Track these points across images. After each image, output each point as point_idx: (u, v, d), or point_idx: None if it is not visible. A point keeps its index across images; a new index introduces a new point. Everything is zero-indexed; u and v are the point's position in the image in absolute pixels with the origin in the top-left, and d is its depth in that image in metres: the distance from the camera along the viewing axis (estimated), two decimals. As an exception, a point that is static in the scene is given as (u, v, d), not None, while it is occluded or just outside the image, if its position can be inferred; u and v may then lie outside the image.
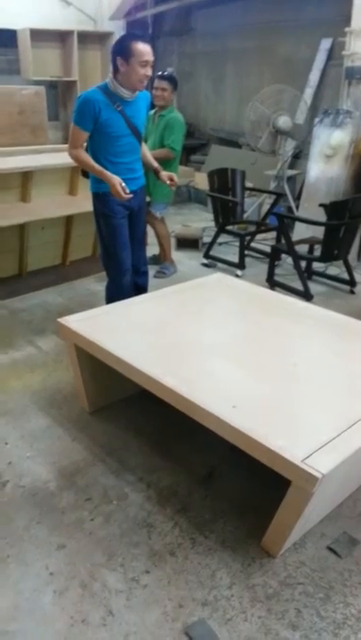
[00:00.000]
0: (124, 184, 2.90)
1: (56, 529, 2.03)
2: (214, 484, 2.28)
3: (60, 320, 2.61)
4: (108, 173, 2.91)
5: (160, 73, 4.37)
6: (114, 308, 2.84)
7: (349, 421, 1.86)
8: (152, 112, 4.40)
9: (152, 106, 4.33)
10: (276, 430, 1.81)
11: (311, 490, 1.65)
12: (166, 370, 2.15)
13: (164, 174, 3.25)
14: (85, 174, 3.27)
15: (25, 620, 1.69)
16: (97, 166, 2.95)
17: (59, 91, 7.88)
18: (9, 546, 1.95)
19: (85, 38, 7.48)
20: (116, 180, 2.88)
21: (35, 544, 1.96)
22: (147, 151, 3.37)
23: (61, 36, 7.44)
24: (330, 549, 1.97)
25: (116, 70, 2.84)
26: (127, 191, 2.91)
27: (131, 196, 2.95)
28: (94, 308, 2.85)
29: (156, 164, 3.34)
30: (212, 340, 2.47)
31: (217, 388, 2.06)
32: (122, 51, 2.76)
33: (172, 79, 4.26)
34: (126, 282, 3.26)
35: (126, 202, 3.09)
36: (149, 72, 2.83)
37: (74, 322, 2.58)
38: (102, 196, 3.08)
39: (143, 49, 2.74)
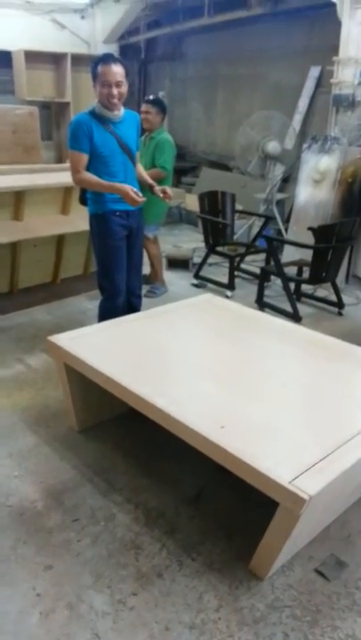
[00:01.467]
0: (135, 189, 2.94)
1: (43, 549, 2.01)
2: (202, 505, 2.27)
3: (49, 338, 2.62)
4: (117, 184, 2.96)
5: (146, 98, 4.47)
6: (104, 327, 2.85)
7: (337, 443, 1.88)
8: (143, 137, 4.48)
9: (142, 130, 4.42)
10: (264, 451, 1.82)
11: (299, 512, 1.66)
12: (155, 390, 2.15)
13: (158, 188, 3.29)
14: (83, 202, 3.30)
15: (10, 642, 1.67)
16: (104, 182, 2.99)
17: (52, 111, 7.98)
18: (-5, 567, 1.93)
19: (79, 61, 7.60)
20: (128, 188, 2.92)
21: (21, 564, 1.94)
22: (142, 170, 3.42)
23: (55, 59, 7.56)
24: (318, 572, 1.97)
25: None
26: (140, 195, 2.95)
27: (145, 199, 2.99)
28: (84, 327, 2.86)
29: (150, 181, 3.39)
30: (201, 360, 2.49)
31: (205, 409, 2.07)
32: (92, 73, 2.90)
33: (156, 102, 4.34)
34: (120, 303, 3.28)
35: (125, 222, 3.13)
36: (114, 92, 2.88)
37: (63, 340, 2.59)
38: (102, 217, 3.11)
39: (104, 70, 2.84)
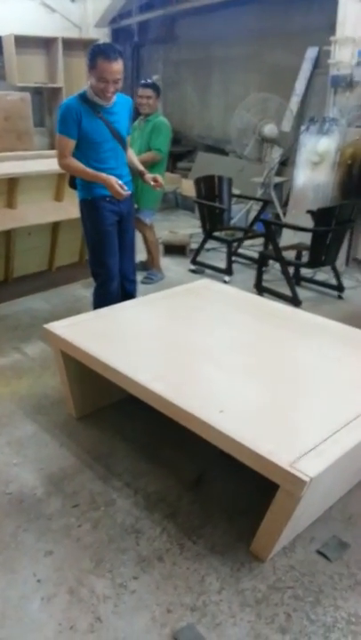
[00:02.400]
0: (120, 182, 2.90)
1: (43, 535, 2.00)
2: (203, 489, 2.27)
3: (46, 326, 2.60)
4: (103, 174, 2.92)
5: (143, 81, 4.43)
6: (100, 314, 2.83)
7: (337, 425, 1.87)
8: (137, 120, 4.43)
9: (137, 114, 4.36)
10: (264, 434, 1.81)
11: (299, 494, 1.65)
12: (154, 376, 2.14)
13: (149, 176, 3.26)
14: (73, 185, 3.26)
15: (13, 627, 1.67)
16: (90, 170, 2.95)
17: (44, 97, 7.88)
18: (-5, 553, 1.92)
19: (70, 45, 7.50)
20: (113, 180, 2.89)
21: (22, 551, 1.94)
22: (133, 156, 3.38)
23: (46, 43, 7.45)
24: (319, 553, 1.97)
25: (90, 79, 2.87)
26: (125, 188, 2.91)
27: (130, 192, 2.96)
28: (81, 314, 2.83)
29: (141, 167, 3.35)
30: (199, 345, 2.47)
31: (204, 394, 2.05)
32: (89, 61, 2.80)
33: (155, 87, 4.32)
34: (114, 288, 3.26)
35: (116, 207, 3.09)
36: (110, 88, 2.83)
37: (60, 328, 2.57)
38: (91, 203, 3.08)
39: (105, 66, 2.74)
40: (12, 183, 4.11)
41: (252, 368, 2.29)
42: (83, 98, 2.91)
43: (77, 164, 2.96)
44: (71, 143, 2.93)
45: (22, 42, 7.08)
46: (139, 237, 4.35)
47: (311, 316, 2.86)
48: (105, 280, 3.23)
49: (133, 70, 8.79)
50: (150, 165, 4.30)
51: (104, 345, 2.40)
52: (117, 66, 2.76)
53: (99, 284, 3.27)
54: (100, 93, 2.85)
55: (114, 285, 3.25)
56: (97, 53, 2.75)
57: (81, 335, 2.49)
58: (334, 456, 1.72)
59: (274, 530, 1.86)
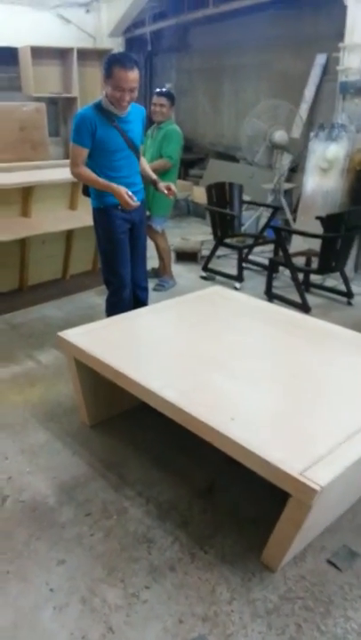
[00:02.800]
0: (130, 192, 2.94)
1: (56, 544, 2.03)
2: (214, 498, 2.28)
3: (59, 334, 2.63)
4: (114, 185, 2.95)
5: (158, 90, 4.47)
6: (113, 322, 2.85)
7: (348, 433, 1.87)
8: (150, 128, 4.48)
9: (150, 122, 4.40)
10: (275, 442, 1.81)
11: (310, 502, 1.65)
12: (165, 383, 2.15)
13: (162, 185, 3.29)
14: (86, 193, 3.31)
15: (25, 636, 1.69)
16: (101, 180, 2.98)
17: (59, 107, 7.97)
18: (8, 562, 1.95)
19: (85, 55, 7.59)
20: (123, 190, 2.92)
21: (34, 560, 1.96)
22: (145, 164, 3.41)
23: (61, 54, 7.54)
24: (330, 563, 1.97)
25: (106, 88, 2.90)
26: (135, 199, 2.95)
27: (139, 203, 2.99)
28: (94, 322, 2.86)
29: (154, 176, 3.38)
30: (211, 352, 2.48)
31: (215, 401, 2.06)
32: (105, 70, 2.82)
33: (169, 95, 4.35)
34: (126, 296, 3.29)
35: (128, 215, 3.12)
36: (127, 97, 2.86)
37: (73, 335, 2.60)
38: (104, 211, 3.12)
39: (122, 75, 2.76)
40: (27, 192, 4.18)
41: (264, 375, 2.30)
42: (98, 107, 2.94)
43: (89, 174, 3.00)
44: (84, 152, 2.96)
45: (38, 53, 7.18)
46: (150, 244, 4.38)
47: (322, 322, 2.86)
48: (118, 288, 3.26)
49: (147, 79, 8.87)
50: (161, 173, 4.33)
51: (117, 352, 2.42)
52: (133, 75, 2.79)
53: (111, 291, 3.30)
54: (116, 102, 2.88)
55: (126, 293, 3.28)
56: (113, 62, 2.78)
57: (94, 343, 2.51)
58: (345, 464, 1.72)
59: (284, 539, 1.86)
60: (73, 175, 3.06)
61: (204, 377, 2.26)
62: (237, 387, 2.18)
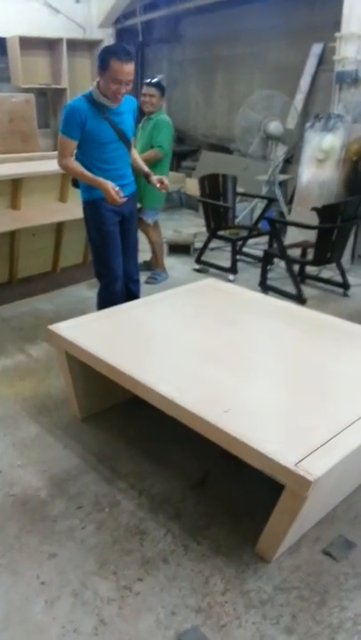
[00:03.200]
0: (117, 188, 2.89)
1: (47, 537, 2.00)
2: (207, 490, 2.25)
3: (49, 327, 2.59)
4: (100, 179, 2.91)
5: (147, 80, 4.42)
6: (105, 315, 2.82)
7: (342, 424, 1.84)
8: (141, 120, 4.44)
9: (142, 114, 4.35)
10: (269, 434, 1.79)
11: (305, 494, 1.63)
12: (158, 376, 2.13)
13: (155, 178, 3.24)
14: (75, 184, 3.26)
15: (16, 630, 1.66)
16: (88, 173, 2.94)
17: (48, 98, 7.89)
18: (0, 555, 1.92)
19: (75, 46, 7.51)
20: (110, 185, 2.88)
21: (26, 553, 1.93)
22: (137, 156, 3.37)
23: (50, 44, 7.46)
24: (325, 553, 1.95)
25: (100, 80, 2.84)
26: (121, 195, 2.91)
27: (125, 199, 2.95)
28: (85, 315, 2.83)
29: (146, 169, 3.33)
30: (204, 345, 2.46)
31: (209, 394, 2.04)
32: (101, 62, 2.76)
33: (158, 85, 4.30)
34: (118, 288, 3.25)
35: (118, 208, 3.08)
36: (123, 90, 2.82)
37: (64, 329, 2.56)
38: (93, 204, 3.07)
39: (118, 67, 2.72)
40: (16, 184, 4.13)
41: (258, 367, 2.27)
42: (88, 98, 2.88)
43: (76, 166, 2.95)
44: (72, 144, 2.92)
45: (27, 43, 7.10)
46: (142, 237, 4.34)
47: (317, 314, 2.84)
48: (109, 281, 3.22)
49: (138, 70, 8.78)
50: (153, 163, 4.29)
51: (109, 346, 2.39)
52: (130, 67, 2.75)
53: (103, 284, 3.26)
54: (111, 95, 2.83)
55: (118, 286, 3.24)
56: (109, 54, 2.73)
57: (85, 336, 2.48)
58: (340, 455, 1.70)
59: (279, 530, 1.84)
60: (60, 167, 3.01)
61: (198, 370, 2.23)
62: (232, 379, 2.16)
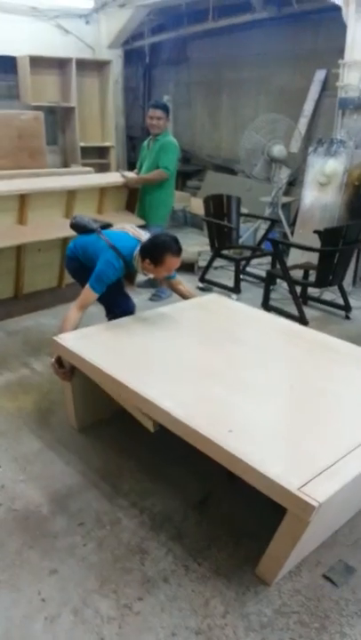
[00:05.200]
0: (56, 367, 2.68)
1: (48, 554, 2.00)
2: (209, 510, 2.26)
3: (55, 338, 2.61)
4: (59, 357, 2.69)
5: (153, 102, 4.51)
6: (110, 327, 2.84)
7: (347, 448, 1.85)
8: (147, 140, 4.51)
9: (146, 134, 4.42)
10: (273, 456, 1.80)
11: (308, 519, 1.63)
12: (162, 392, 2.14)
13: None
14: (77, 229, 3.20)
15: (15, 648, 1.65)
16: (68, 332, 2.74)
17: (57, 116, 7.99)
18: (0, 571, 1.92)
19: (84, 66, 7.62)
20: (54, 366, 2.70)
21: (27, 569, 1.93)
22: (184, 291, 3.32)
23: (60, 64, 7.58)
24: (326, 577, 1.95)
25: (143, 259, 2.80)
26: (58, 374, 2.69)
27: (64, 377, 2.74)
28: (89, 327, 2.83)
29: (193, 296, 3.34)
30: (209, 361, 2.47)
31: (213, 412, 2.05)
32: (154, 257, 2.75)
33: (165, 107, 4.41)
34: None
35: None
36: (164, 275, 2.92)
37: (69, 340, 2.57)
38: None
39: (173, 262, 2.76)
40: (23, 200, 4.17)
41: (262, 387, 2.28)
42: (129, 260, 2.85)
43: (73, 325, 2.78)
44: (95, 298, 2.85)
45: (37, 62, 7.21)
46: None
47: (320, 334, 2.85)
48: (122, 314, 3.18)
49: (145, 91, 8.94)
50: (158, 184, 4.35)
51: (113, 359, 2.40)
52: (180, 257, 2.80)
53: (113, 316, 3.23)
54: (153, 276, 2.94)
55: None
56: (165, 251, 2.73)
57: (90, 349, 2.49)
58: (344, 480, 1.71)
59: (280, 554, 1.84)
60: (70, 311, 2.84)
61: (202, 387, 2.25)
62: (236, 398, 2.17)
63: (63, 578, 1.90)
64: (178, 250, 2.78)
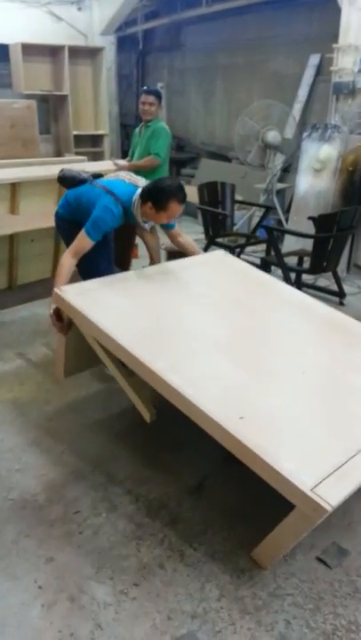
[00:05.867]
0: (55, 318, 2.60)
1: (45, 542, 2.01)
2: (204, 495, 2.27)
3: (56, 290, 2.50)
4: (55, 305, 2.61)
5: (146, 88, 4.50)
6: (114, 281, 2.71)
7: (359, 444, 1.83)
8: (139, 126, 4.49)
9: (138, 120, 4.39)
10: (285, 451, 1.77)
11: (318, 520, 1.64)
12: (170, 364, 2.06)
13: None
14: (64, 184, 3.10)
15: (13, 634, 1.67)
16: (62, 282, 2.64)
17: (50, 104, 7.94)
18: (-3, 559, 1.93)
19: (76, 53, 7.56)
20: (53, 318, 2.61)
21: (23, 557, 1.95)
22: (185, 241, 3.23)
23: (52, 51, 7.51)
24: (319, 560, 1.97)
25: (144, 202, 2.73)
26: (55, 326, 2.64)
27: (61, 331, 2.66)
28: (93, 280, 2.72)
29: (197, 252, 3.23)
30: (216, 333, 2.38)
31: (223, 394, 1.99)
32: (157, 200, 2.67)
33: (157, 93, 4.40)
34: None
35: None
36: (165, 221, 2.83)
37: (73, 295, 2.43)
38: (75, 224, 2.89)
39: (176, 208, 2.69)
40: (14, 189, 4.15)
41: (272, 368, 2.20)
42: (128, 207, 2.77)
43: (68, 271, 2.69)
44: (90, 245, 2.72)
45: (29, 50, 7.15)
46: (141, 243, 4.37)
47: (332, 310, 2.75)
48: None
49: (138, 78, 8.86)
50: (150, 170, 4.33)
51: (117, 321, 2.29)
52: (183, 206, 2.73)
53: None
54: (155, 222, 2.87)
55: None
56: (170, 196, 2.65)
57: (94, 307, 2.35)
58: (356, 483, 1.70)
59: (281, 543, 1.85)
60: (64, 259, 2.72)
61: (211, 362, 2.17)
62: (246, 379, 2.10)
63: (59, 565, 1.92)
64: (183, 197, 2.69)
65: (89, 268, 2.98)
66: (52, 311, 2.61)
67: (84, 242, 2.69)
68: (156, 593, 1.82)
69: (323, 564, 1.95)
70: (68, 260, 2.69)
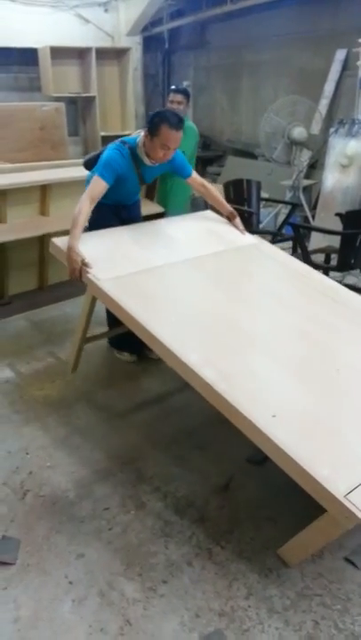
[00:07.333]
0: (84, 263, 2.64)
1: (75, 538, 2.06)
2: (231, 494, 2.28)
3: (89, 276, 2.55)
4: (76, 249, 2.67)
5: (174, 87, 4.49)
6: (148, 270, 2.70)
7: None
8: None
9: None
10: (320, 454, 1.75)
11: (349, 526, 1.63)
12: (204, 358, 2.06)
13: (236, 221, 3.32)
14: (87, 167, 3.17)
15: (44, 628, 1.72)
16: (79, 230, 2.72)
17: (78, 106, 8.03)
18: (29, 555, 1.98)
19: (103, 54, 7.63)
20: (74, 257, 2.65)
21: (54, 553, 1.99)
22: (217, 195, 3.29)
23: (80, 53, 7.59)
24: (347, 560, 1.96)
25: (145, 137, 2.80)
26: (78, 278, 2.69)
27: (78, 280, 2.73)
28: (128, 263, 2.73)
29: (229, 209, 3.30)
30: (252, 326, 2.35)
31: (255, 391, 1.98)
32: (151, 126, 2.70)
33: (185, 92, 4.38)
34: None
35: (124, 214, 3.12)
36: (169, 156, 2.80)
37: (106, 281, 2.46)
38: (97, 207, 2.90)
39: (169, 134, 2.68)
40: (45, 191, 4.22)
41: (307, 365, 2.17)
42: (132, 150, 2.83)
43: (85, 217, 2.72)
44: (105, 188, 2.76)
45: (57, 53, 7.24)
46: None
47: None
48: None
49: (164, 77, 8.88)
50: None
51: (151, 310, 2.31)
52: (179, 134, 2.72)
53: None
54: (158, 159, 2.83)
55: None
56: (161, 120, 2.67)
57: (127, 294, 2.38)
58: None
59: (309, 545, 1.85)
60: (81, 203, 2.74)
61: (245, 358, 2.15)
62: (279, 376, 2.08)
63: (89, 561, 1.96)
64: (176, 122, 2.66)
65: None
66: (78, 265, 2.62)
67: (98, 183, 2.73)
68: (184, 590, 1.84)
69: (351, 564, 1.94)
70: (84, 206, 2.71)
